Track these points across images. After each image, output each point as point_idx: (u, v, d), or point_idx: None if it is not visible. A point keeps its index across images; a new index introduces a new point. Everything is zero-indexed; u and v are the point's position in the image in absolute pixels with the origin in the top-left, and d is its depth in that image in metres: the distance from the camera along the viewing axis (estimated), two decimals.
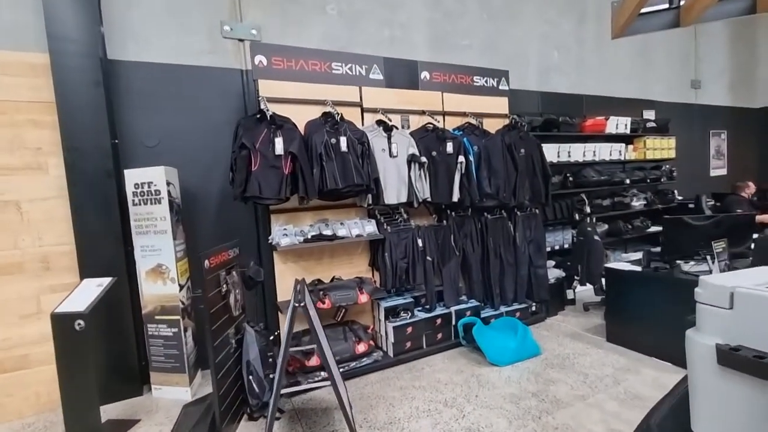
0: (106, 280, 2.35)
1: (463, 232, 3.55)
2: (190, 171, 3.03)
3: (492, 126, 3.77)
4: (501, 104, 3.94)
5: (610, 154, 5.02)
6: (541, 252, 3.83)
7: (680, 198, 5.79)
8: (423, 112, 3.48)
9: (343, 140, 2.86)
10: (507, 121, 3.87)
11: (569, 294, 4.28)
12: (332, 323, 3.05)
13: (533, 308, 3.87)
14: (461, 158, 3.33)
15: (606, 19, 5.58)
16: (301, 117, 2.95)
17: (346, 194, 2.95)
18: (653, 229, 5.43)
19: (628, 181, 5.09)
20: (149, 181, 2.66)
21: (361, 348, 2.93)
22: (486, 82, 3.86)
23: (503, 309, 3.64)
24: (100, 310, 2.19)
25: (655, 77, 6.18)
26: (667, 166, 5.70)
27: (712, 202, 5.61)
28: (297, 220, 3.08)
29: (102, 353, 2.65)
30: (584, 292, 4.36)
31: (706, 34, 6.80)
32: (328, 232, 3.01)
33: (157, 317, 2.74)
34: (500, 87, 3.96)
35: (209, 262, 2.09)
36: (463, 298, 3.60)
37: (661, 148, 5.56)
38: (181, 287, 2.75)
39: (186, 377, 2.76)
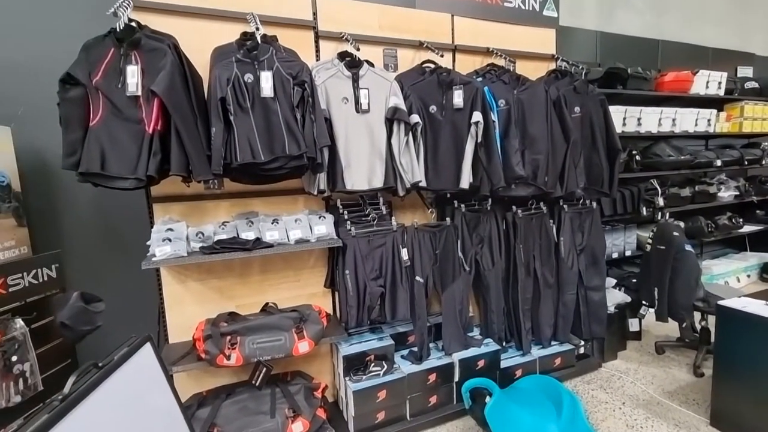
0: None
1: (478, 235, 2.29)
2: (38, 133, 1.90)
3: (529, 72, 2.44)
4: (545, 39, 2.57)
5: (696, 125, 3.55)
6: (598, 267, 2.52)
7: None
8: (420, 44, 2.19)
9: (265, 78, 1.62)
10: (553, 66, 2.54)
11: (632, 324, 2.97)
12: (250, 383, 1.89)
13: (581, 350, 2.61)
14: (477, 116, 2.03)
15: None
16: (203, 43, 1.74)
17: (275, 174, 1.73)
18: (747, 228, 3.97)
19: (719, 163, 3.62)
20: None
21: (298, 428, 1.77)
22: (523, 2, 2.50)
23: (537, 353, 2.39)
24: None
25: (756, 23, 4.56)
26: (766, 144, 4.16)
27: None
28: (202, 213, 1.90)
29: None
30: (651, 317, 3.04)
31: None
32: (248, 234, 1.82)
33: None
34: (545, 12, 2.58)
35: None
36: (475, 334, 2.38)
37: (762, 118, 4.03)
38: None
39: None
